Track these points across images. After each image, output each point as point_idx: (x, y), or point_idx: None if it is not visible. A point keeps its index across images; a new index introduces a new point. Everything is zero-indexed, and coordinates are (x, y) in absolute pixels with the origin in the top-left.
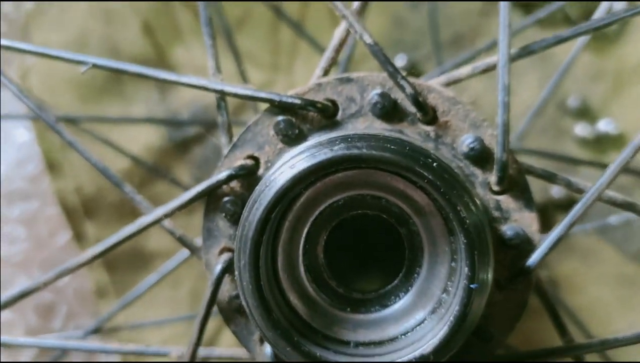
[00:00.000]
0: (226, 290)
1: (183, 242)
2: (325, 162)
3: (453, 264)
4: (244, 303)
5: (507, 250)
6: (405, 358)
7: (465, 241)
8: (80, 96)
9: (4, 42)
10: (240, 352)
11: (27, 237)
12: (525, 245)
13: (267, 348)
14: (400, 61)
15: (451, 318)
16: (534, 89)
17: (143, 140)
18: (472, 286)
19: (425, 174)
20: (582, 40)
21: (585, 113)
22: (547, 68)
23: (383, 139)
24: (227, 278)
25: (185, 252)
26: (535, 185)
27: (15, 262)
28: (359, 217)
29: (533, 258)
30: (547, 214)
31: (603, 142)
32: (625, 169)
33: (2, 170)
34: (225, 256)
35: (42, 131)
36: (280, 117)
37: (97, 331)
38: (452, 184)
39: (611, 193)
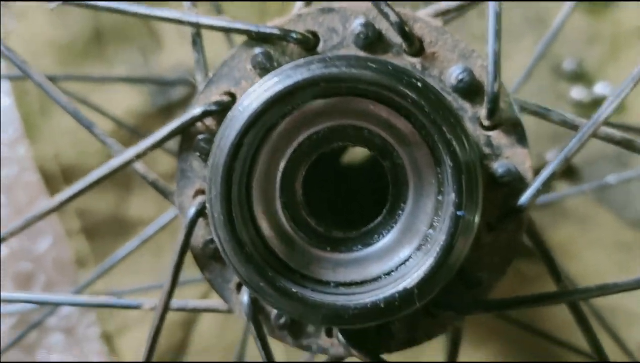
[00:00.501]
0: (200, 235)
1: (156, 186)
2: (301, 82)
3: (440, 197)
4: (215, 238)
5: (498, 188)
6: (387, 293)
7: (451, 165)
8: (61, 60)
9: None
10: (215, 302)
11: (6, 203)
12: (517, 183)
13: (244, 297)
14: None
15: (437, 249)
16: (530, 54)
17: (125, 105)
18: (459, 213)
19: (409, 93)
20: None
21: (581, 76)
22: (542, 32)
23: (364, 59)
24: (201, 223)
25: (166, 217)
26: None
27: None
28: (339, 150)
29: (525, 196)
30: None
31: (599, 105)
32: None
33: None
34: (200, 198)
35: (21, 95)
36: (257, 50)
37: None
38: (438, 105)
39: (608, 130)
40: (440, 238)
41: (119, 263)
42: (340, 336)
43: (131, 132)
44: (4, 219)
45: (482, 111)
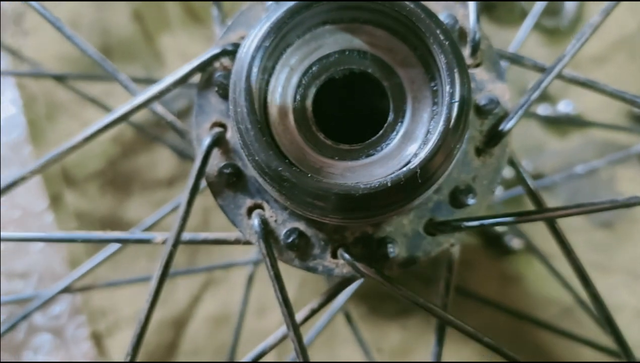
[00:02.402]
0: (215, 164)
1: (173, 126)
2: None
3: (434, 108)
4: (237, 134)
5: (483, 117)
6: (394, 174)
7: (445, 60)
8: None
9: None
10: (224, 234)
11: (4, 201)
12: (499, 111)
13: (255, 219)
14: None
15: (435, 138)
16: None
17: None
18: (453, 101)
19: (407, 2)
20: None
21: (546, 97)
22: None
23: None
24: (216, 153)
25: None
26: None
27: None
28: (346, 73)
29: (507, 121)
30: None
31: (563, 121)
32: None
33: None
34: (216, 130)
35: (29, 102)
36: (271, 1)
37: (66, 290)
38: (430, 14)
39: (573, 73)
40: (437, 131)
41: (114, 267)
42: (345, 255)
43: (137, 130)
44: (4, 217)
45: (466, 51)
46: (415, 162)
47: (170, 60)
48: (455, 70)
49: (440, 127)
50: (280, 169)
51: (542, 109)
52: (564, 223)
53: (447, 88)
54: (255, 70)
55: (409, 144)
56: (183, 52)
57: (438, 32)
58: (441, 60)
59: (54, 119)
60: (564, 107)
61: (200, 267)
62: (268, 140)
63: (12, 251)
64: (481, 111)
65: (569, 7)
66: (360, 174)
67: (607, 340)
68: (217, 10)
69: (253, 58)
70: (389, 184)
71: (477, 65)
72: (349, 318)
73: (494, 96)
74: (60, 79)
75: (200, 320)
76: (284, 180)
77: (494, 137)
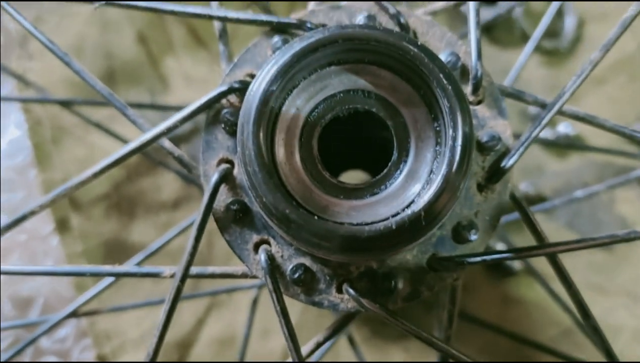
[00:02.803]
0: (222, 199)
1: (181, 161)
2: (322, 39)
3: (437, 148)
4: (245, 175)
5: (485, 153)
6: (398, 217)
7: (448, 105)
8: (75, 96)
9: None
10: (231, 269)
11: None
12: (500, 148)
13: (262, 254)
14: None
15: (439, 180)
16: None
17: (137, 136)
18: (456, 145)
19: (411, 47)
20: (530, 49)
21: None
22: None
23: (373, 25)
24: (223, 189)
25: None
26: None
27: None
28: (350, 113)
29: (509, 158)
30: None
31: (563, 142)
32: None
33: None
34: (223, 166)
35: (35, 126)
36: (277, 38)
37: (72, 315)
38: (434, 57)
39: (573, 108)
40: (440, 173)
41: (118, 289)
42: (350, 290)
43: (142, 154)
44: (8, 240)
45: (468, 88)
46: (420, 204)
47: (174, 83)
48: (458, 113)
49: (443, 170)
50: (287, 211)
51: (543, 131)
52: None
53: (450, 131)
54: (263, 112)
55: (413, 183)
56: (187, 75)
57: (441, 76)
58: (444, 104)
59: (59, 143)
60: (563, 128)
61: (205, 291)
62: (275, 182)
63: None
64: (483, 148)
65: (569, 28)
66: (365, 213)
67: None
68: (223, 46)
69: (261, 102)
70: (394, 227)
71: (479, 102)
72: (351, 341)
73: (496, 133)
74: (66, 104)
75: (205, 343)
76: (291, 221)
77: (496, 173)
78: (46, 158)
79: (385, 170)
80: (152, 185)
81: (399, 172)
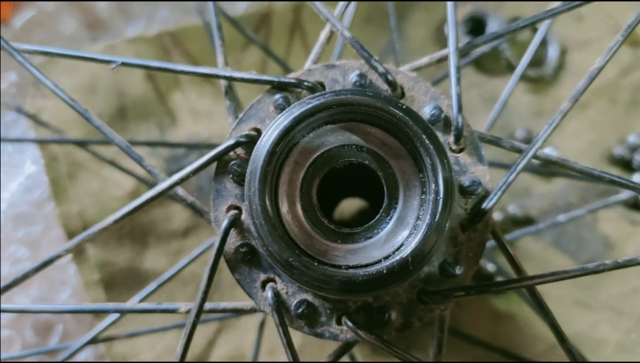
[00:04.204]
0: (232, 242)
1: (194, 207)
2: (319, 105)
3: (423, 196)
4: (252, 227)
5: (467, 197)
6: (388, 262)
7: (430, 162)
8: (87, 133)
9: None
10: (241, 304)
11: (30, 257)
12: (481, 191)
13: (269, 292)
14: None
15: (424, 227)
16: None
17: (144, 172)
18: (438, 198)
19: (397, 111)
20: (515, 80)
21: (530, 142)
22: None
23: (363, 91)
24: (232, 232)
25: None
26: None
27: None
28: (345, 165)
29: (489, 201)
30: (506, 230)
31: (548, 166)
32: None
33: (9, 197)
34: (232, 212)
35: (51, 162)
36: (278, 95)
37: (91, 342)
38: (417, 119)
39: (546, 152)
40: (425, 221)
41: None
42: (349, 323)
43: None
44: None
45: (451, 138)
46: (407, 251)
47: (182, 117)
48: (439, 169)
49: (427, 219)
50: (290, 259)
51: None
52: (552, 264)
53: (432, 186)
54: (267, 171)
55: (401, 229)
56: (193, 109)
57: (424, 137)
58: (427, 161)
59: (74, 177)
60: (548, 152)
61: (215, 316)
62: (280, 233)
63: (39, 300)
64: (465, 191)
65: (552, 57)
66: (360, 256)
67: None
68: (229, 102)
69: (265, 162)
70: (385, 271)
71: (461, 151)
72: (353, 359)
73: (476, 178)
74: (80, 144)
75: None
76: (294, 268)
77: (477, 214)
78: (62, 192)
79: (377, 216)
80: (162, 215)
81: (389, 218)
